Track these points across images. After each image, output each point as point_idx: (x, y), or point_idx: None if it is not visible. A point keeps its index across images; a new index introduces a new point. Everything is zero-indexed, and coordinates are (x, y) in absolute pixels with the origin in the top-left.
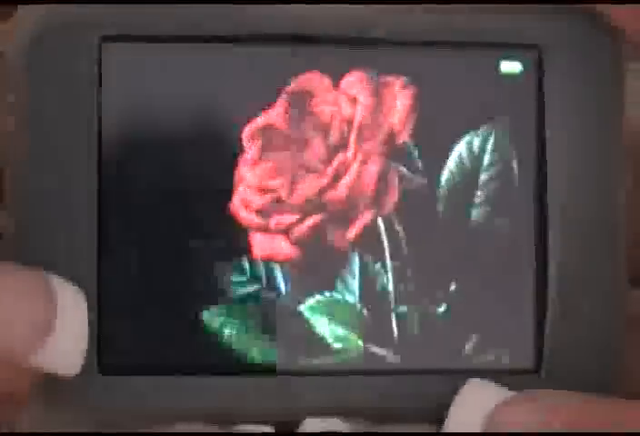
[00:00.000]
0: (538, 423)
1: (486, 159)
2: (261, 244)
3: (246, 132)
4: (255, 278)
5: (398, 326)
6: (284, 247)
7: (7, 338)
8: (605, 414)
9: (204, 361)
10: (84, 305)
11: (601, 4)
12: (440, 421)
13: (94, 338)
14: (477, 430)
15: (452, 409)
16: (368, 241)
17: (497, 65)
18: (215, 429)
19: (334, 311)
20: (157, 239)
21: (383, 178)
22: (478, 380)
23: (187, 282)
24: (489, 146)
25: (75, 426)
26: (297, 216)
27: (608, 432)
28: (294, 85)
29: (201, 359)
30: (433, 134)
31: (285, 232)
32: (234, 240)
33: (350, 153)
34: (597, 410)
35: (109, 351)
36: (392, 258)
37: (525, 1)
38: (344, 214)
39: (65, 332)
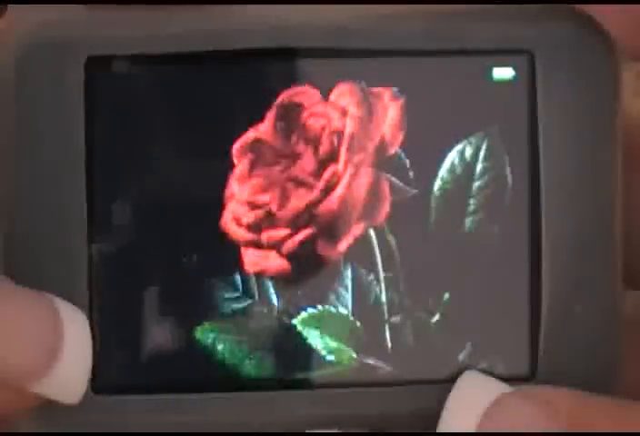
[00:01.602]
0: (538, 417)
1: (479, 167)
2: (253, 259)
3: (236, 147)
4: (247, 293)
5: (392, 337)
6: (275, 261)
7: (13, 363)
8: (608, 408)
9: (198, 377)
10: (88, 332)
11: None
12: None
13: None
14: (474, 424)
15: (448, 402)
16: (360, 252)
17: (489, 72)
18: None
19: (327, 324)
20: (148, 256)
21: (374, 189)
22: (475, 372)
23: (180, 299)
24: (481, 154)
25: None
26: (288, 230)
27: (608, 432)
28: (283, 99)
29: (195, 376)
30: (424, 144)
31: (277, 246)
32: (225, 255)
33: (340, 166)
34: (600, 405)
35: (102, 370)
36: (384, 269)
37: (515, 1)
38: (335, 227)
39: (70, 360)
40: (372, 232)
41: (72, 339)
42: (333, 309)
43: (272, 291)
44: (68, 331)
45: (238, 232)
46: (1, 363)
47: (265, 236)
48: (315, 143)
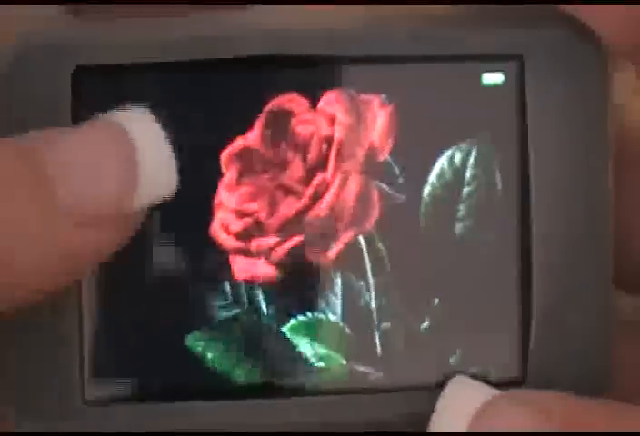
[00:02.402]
0: (528, 418)
1: (469, 173)
2: (242, 267)
3: (224, 155)
4: (236, 301)
5: (382, 343)
6: (265, 269)
7: (104, 191)
8: (597, 410)
9: (188, 385)
10: (160, 131)
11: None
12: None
13: (77, 367)
14: (464, 427)
15: (438, 405)
16: (350, 259)
17: (479, 77)
18: None
19: (317, 330)
20: (137, 265)
21: (363, 196)
22: (464, 377)
23: (170, 308)
24: (471, 160)
25: None
26: (277, 238)
27: (602, 432)
28: (271, 107)
29: (185, 384)
30: (414, 151)
31: (266, 254)
32: (214, 263)
33: (329, 173)
34: (589, 406)
35: (93, 380)
36: (374, 276)
37: (506, 2)
38: (324, 234)
39: (151, 166)
40: (361, 239)
41: (145, 149)
42: (322, 316)
43: (261, 298)
44: (140, 144)
45: (227, 241)
46: (91, 197)
47: (254, 244)
48: (303, 150)
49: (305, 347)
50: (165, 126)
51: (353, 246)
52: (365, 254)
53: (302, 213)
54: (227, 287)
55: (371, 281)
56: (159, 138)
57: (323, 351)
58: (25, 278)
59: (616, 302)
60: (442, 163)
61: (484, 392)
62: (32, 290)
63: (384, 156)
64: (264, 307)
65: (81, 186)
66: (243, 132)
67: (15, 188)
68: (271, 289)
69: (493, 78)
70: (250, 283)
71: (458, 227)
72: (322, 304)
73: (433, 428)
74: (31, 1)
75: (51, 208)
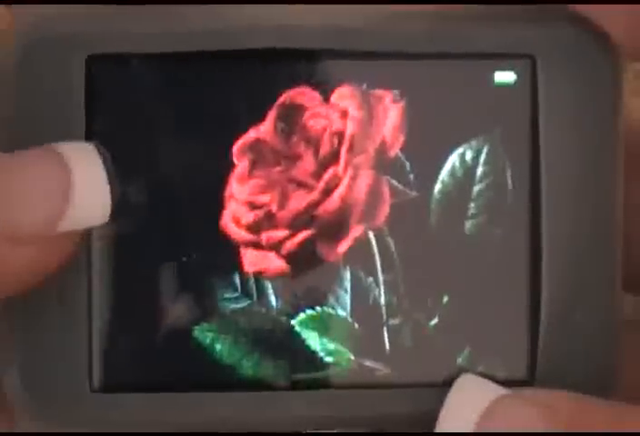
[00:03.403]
0: (536, 418)
1: (479, 171)
2: (252, 260)
3: (236, 147)
4: (246, 293)
5: (390, 339)
6: (275, 262)
7: (30, 212)
8: (605, 410)
9: (195, 377)
10: (97, 158)
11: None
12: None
13: (84, 356)
14: (471, 426)
15: (445, 404)
16: (360, 255)
17: (491, 76)
18: None
19: (325, 325)
20: (147, 255)
21: (374, 191)
22: (472, 375)
23: (178, 299)
24: (482, 158)
25: None
26: (288, 231)
27: (610, 432)
28: (284, 100)
29: (193, 375)
30: (425, 147)
31: (276, 247)
32: (224, 255)
33: (341, 167)
34: (597, 406)
35: (100, 368)
36: (383, 271)
37: (517, 2)
38: (334, 228)
39: (84, 195)
40: (371, 235)
41: (80, 174)
42: (331, 310)
43: (270, 291)
44: (75, 170)
45: (238, 233)
46: (16, 219)
47: (265, 237)
48: (315, 144)
49: (314, 341)
50: (176, 117)
51: (363, 241)
52: (375, 250)
53: (313, 206)
54: (237, 279)
55: (380, 276)
56: (95, 162)
57: (331, 345)
58: None
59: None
60: (453, 160)
61: (491, 391)
62: None
63: (395, 152)
64: (273, 300)
65: (12, 206)
66: (255, 124)
67: None
68: (280, 282)
69: (505, 77)
70: (259, 276)
71: (468, 225)
72: (331, 299)
73: (440, 426)
74: (32, 1)
75: None
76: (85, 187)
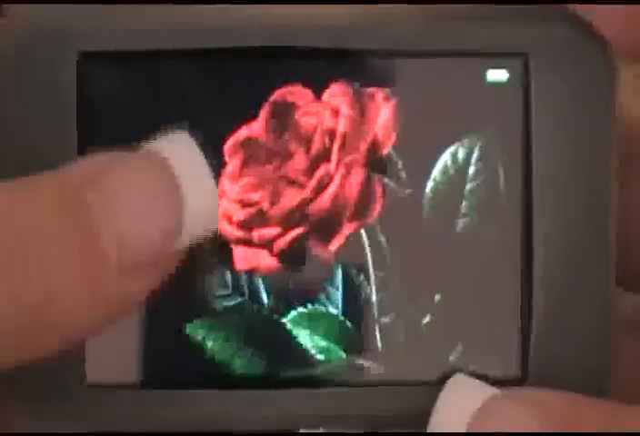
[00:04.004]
0: (529, 418)
1: (472, 169)
2: (243, 257)
3: (228, 145)
4: (237, 291)
5: (382, 337)
6: (266, 260)
7: (145, 230)
8: (598, 410)
9: (187, 374)
10: (202, 159)
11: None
12: (425, 430)
13: (78, 352)
14: (463, 426)
15: (437, 405)
16: (351, 252)
17: (483, 74)
18: None
19: (317, 323)
20: None
21: (366, 189)
22: (462, 375)
23: (170, 296)
24: (475, 156)
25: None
26: (279, 229)
27: (603, 432)
28: (275, 98)
29: (185, 372)
30: (417, 145)
31: (268, 245)
32: (216, 253)
33: (332, 165)
34: (589, 406)
35: (95, 364)
36: (375, 269)
37: (511, 2)
38: (326, 226)
39: (195, 210)
40: (363, 233)
41: (191, 191)
42: (323, 308)
43: (262, 289)
44: (187, 187)
45: (229, 230)
46: (135, 242)
47: (256, 235)
48: (307, 142)
49: (305, 339)
50: (168, 114)
51: (354, 239)
52: (367, 248)
53: (304, 204)
54: (228, 277)
55: (372, 274)
56: (203, 169)
57: (323, 343)
58: (63, 322)
59: (617, 301)
60: (445, 158)
61: (483, 392)
62: (68, 334)
63: (387, 150)
64: (264, 298)
65: (124, 229)
66: (247, 122)
67: (59, 233)
68: (272, 280)
69: (497, 75)
70: (251, 274)
71: (460, 223)
72: (322, 297)
73: (432, 427)
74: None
75: (94, 253)
76: (195, 197)
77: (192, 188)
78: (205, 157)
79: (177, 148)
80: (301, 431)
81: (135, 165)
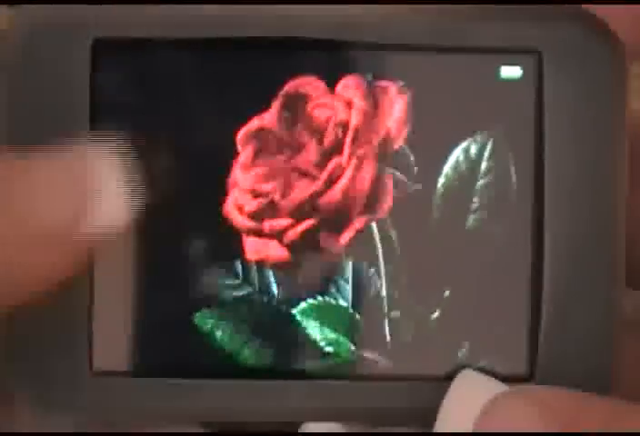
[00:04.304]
0: (535, 417)
1: (484, 165)
2: (254, 248)
3: (240, 135)
4: (247, 281)
5: (391, 331)
6: (276, 251)
7: (59, 210)
8: (604, 409)
9: (196, 363)
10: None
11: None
12: (432, 425)
13: (85, 340)
14: (471, 422)
15: (445, 400)
16: (362, 245)
17: (497, 70)
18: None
19: (326, 315)
20: (149, 241)
21: (377, 183)
22: (472, 371)
23: (180, 285)
24: (487, 152)
25: (67, 427)
26: (290, 220)
27: (609, 432)
28: (288, 89)
29: (193, 361)
30: (429, 140)
31: (278, 235)
32: (226, 243)
33: (344, 158)
34: (596, 405)
35: (101, 353)
36: (385, 263)
37: (524, 2)
38: (337, 219)
39: (105, 195)
40: (374, 226)
41: (105, 177)
42: (332, 300)
43: (272, 280)
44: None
45: (240, 220)
46: (43, 220)
47: (267, 225)
48: (319, 134)
49: (314, 331)
50: (181, 103)
51: (365, 232)
52: (377, 241)
53: (316, 196)
54: (238, 267)
55: (382, 268)
56: (115, 171)
57: (331, 335)
58: None
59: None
60: (457, 154)
61: (491, 388)
62: None
63: (399, 144)
64: (274, 288)
65: (39, 208)
66: (260, 112)
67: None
68: (282, 271)
69: (510, 72)
70: (261, 264)
71: (471, 219)
72: (332, 289)
73: (440, 422)
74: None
75: (13, 225)
76: (106, 193)
77: (103, 183)
78: (218, 145)
79: (96, 151)
80: (305, 424)
81: (51, 152)
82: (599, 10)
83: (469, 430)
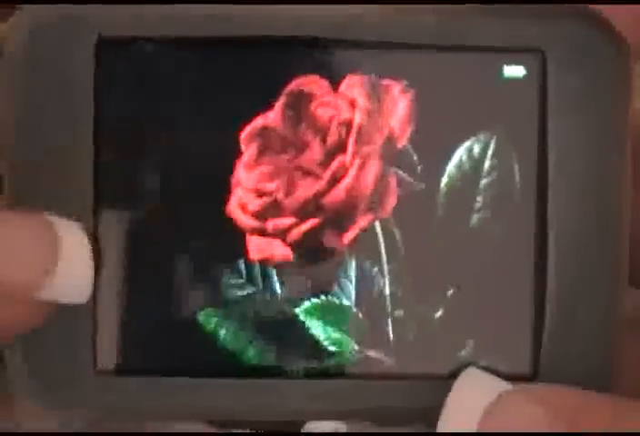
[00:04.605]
0: (539, 417)
1: (487, 164)
2: (257, 247)
3: (244, 134)
4: (251, 280)
5: (394, 330)
6: (280, 250)
7: (12, 277)
8: (608, 408)
9: (199, 362)
10: (85, 239)
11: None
12: (435, 425)
13: (89, 339)
14: (475, 421)
15: (449, 398)
16: (365, 245)
17: (500, 69)
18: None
19: (329, 314)
20: (153, 240)
21: (381, 182)
22: (476, 369)
23: (184, 284)
24: (490, 151)
25: (70, 426)
26: (294, 219)
27: (613, 432)
28: (292, 88)
29: (196, 360)
30: (433, 139)
31: (282, 234)
32: (230, 242)
33: (348, 157)
34: (600, 404)
35: (105, 351)
36: (389, 262)
37: (528, 1)
38: (341, 218)
39: (69, 268)
40: (378, 225)
41: (68, 249)
42: (336, 300)
43: (275, 279)
44: (64, 242)
45: (244, 219)
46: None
47: (271, 224)
48: (323, 133)
49: (318, 330)
50: (185, 101)
51: (369, 231)
52: (381, 240)
53: (319, 195)
54: (242, 266)
55: (385, 267)
56: (83, 243)
57: (335, 334)
58: None
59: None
60: (460, 153)
61: (495, 387)
62: None
63: (402, 143)
64: (277, 287)
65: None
66: (263, 111)
67: None
68: (285, 270)
69: (514, 71)
70: (265, 263)
71: (475, 218)
72: (335, 288)
73: (443, 421)
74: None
75: None
76: (71, 262)
77: (69, 252)
78: (222, 144)
79: (64, 222)
80: (308, 423)
81: (20, 216)
82: (605, 9)
83: (473, 429)
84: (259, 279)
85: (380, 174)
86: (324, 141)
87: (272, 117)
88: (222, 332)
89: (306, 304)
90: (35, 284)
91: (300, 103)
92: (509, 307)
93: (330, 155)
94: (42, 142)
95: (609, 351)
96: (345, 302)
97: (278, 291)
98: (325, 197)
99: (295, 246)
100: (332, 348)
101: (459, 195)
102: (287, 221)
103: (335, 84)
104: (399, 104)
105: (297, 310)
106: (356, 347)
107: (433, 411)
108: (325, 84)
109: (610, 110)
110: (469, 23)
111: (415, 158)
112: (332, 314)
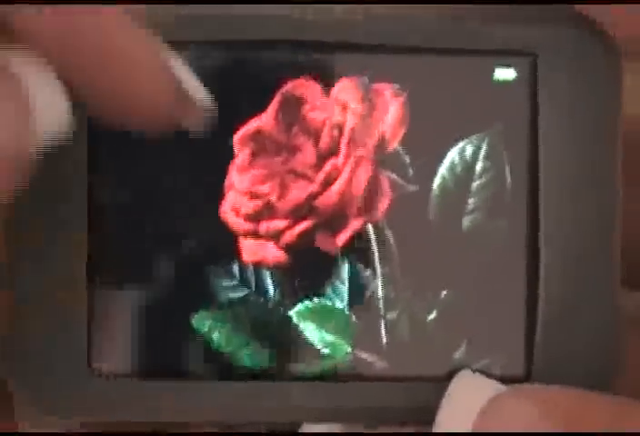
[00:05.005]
0: (534, 417)
1: (479, 166)
2: (250, 249)
3: (237, 137)
4: (244, 283)
5: (388, 332)
6: (273, 252)
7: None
8: (605, 408)
9: (193, 365)
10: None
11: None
12: (430, 426)
13: (84, 342)
14: (470, 423)
15: (444, 400)
16: (358, 247)
17: (491, 72)
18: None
19: (323, 317)
20: (147, 243)
21: (373, 184)
22: (469, 371)
23: (177, 287)
24: (482, 153)
25: (65, 429)
26: (287, 222)
27: (608, 432)
28: (285, 91)
29: (190, 363)
30: (425, 141)
31: (275, 237)
32: (223, 245)
33: (340, 160)
34: (596, 404)
35: (99, 354)
36: (382, 264)
37: (520, 2)
38: (334, 220)
39: (42, 105)
40: (370, 228)
41: (38, 95)
42: (329, 302)
43: (269, 281)
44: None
45: (237, 222)
46: None
47: (264, 227)
48: (315, 136)
49: (311, 332)
50: None
51: (361, 234)
52: (374, 243)
53: (312, 197)
54: (235, 268)
55: (378, 269)
56: (49, 79)
57: (328, 337)
58: None
59: (620, 299)
60: (452, 155)
61: (490, 388)
62: None
63: (394, 146)
64: (271, 290)
65: None
66: (256, 114)
67: None
68: (279, 272)
69: (505, 73)
70: (258, 266)
71: (467, 220)
72: (329, 290)
73: (438, 424)
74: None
75: None
76: (42, 103)
77: (38, 92)
78: (215, 147)
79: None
80: (303, 426)
81: None
82: (594, 9)
83: (468, 430)
84: (252, 282)
85: (372, 177)
86: (316, 144)
87: (265, 120)
88: (215, 335)
89: (300, 307)
90: (19, 140)
91: (293, 106)
92: (502, 308)
93: (323, 158)
94: None
95: (605, 352)
96: (339, 305)
97: (272, 293)
98: (317, 200)
99: (288, 248)
100: (325, 350)
101: (451, 197)
102: (280, 223)
103: (327, 88)
104: (391, 107)
105: (291, 312)
106: (350, 349)
107: (427, 412)
108: (317, 87)
109: (601, 112)
110: (460, 26)
111: (408, 161)
112: (325, 317)
